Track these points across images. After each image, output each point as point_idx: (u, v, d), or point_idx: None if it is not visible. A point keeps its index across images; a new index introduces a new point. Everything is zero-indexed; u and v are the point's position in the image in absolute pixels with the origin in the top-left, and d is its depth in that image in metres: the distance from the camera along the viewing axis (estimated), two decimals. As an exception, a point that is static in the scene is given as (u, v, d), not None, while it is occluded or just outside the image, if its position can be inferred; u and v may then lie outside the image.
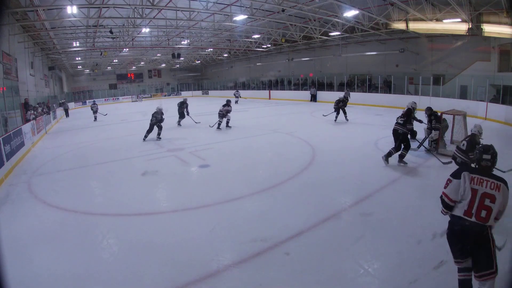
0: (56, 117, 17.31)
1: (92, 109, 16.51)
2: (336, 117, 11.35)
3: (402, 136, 5.76)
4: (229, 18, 14.37)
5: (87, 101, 29.88)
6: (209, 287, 2.66)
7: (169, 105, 15.07)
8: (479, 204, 2.18)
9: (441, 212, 2.45)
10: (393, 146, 5.90)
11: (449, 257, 2.92)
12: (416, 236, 3.32)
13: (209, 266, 2.93)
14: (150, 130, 9.49)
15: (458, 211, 2.28)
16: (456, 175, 2.31)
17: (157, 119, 9.49)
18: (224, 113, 10.88)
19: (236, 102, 21.11)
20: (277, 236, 3.39)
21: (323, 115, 12.36)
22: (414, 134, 6.55)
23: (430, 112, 6.80)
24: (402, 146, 5.84)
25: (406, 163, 5.90)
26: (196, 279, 2.74)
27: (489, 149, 2.37)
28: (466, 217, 2.22)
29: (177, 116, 12.36)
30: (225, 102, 11.09)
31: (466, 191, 2.23)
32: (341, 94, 11.87)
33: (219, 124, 10.90)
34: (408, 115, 5.75)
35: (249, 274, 2.82)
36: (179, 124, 12.23)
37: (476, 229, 2.20)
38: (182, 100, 12.67)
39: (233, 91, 24.01)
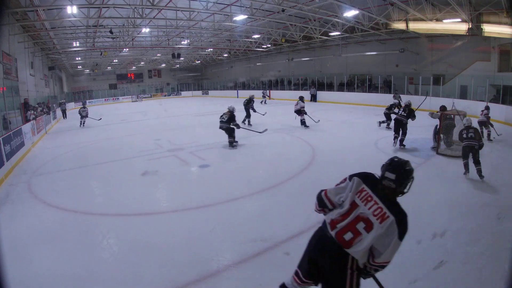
0: (56, 117, 17.32)
1: (80, 114, 13.76)
2: (388, 124, 9.80)
3: (404, 125, 7.28)
4: (229, 18, 14.37)
5: (87, 101, 29.90)
6: (209, 287, 2.66)
7: (169, 105, 15.06)
8: (349, 222, 1.71)
9: (315, 208, 1.98)
10: (395, 135, 7.40)
11: (449, 257, 2.93)
12: (416, 236, 3.31)
13: (209, 266, 2.93)
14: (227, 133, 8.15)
15: (328, 217, 1.83)
16: (351, 176, 1.85)
17: (222, 122, 8.03)
18: (299, 108, 10.55)
19: (262, 102, 19.57)
20: (277, 236, 3.39)
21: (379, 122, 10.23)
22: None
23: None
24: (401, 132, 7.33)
25: (405, 145, 7.34)
26: (196, 279, 2.74)
27: (398, 167, 1.75)
28: (329, 227, 1.77)
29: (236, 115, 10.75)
30: (298, 99, 10.70)
31: (346, 199, 1.77)
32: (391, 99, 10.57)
33: (303, 122, 10.48)
34: (410, 110, 7.42)
35: (249, 274, 2.82)
36: (249, 123, 10.62)
37: (334, 249, 1.71)
38: (248, 98, 11.66)
39: (262, 91, 22.27)
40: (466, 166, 5.30)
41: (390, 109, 9.86)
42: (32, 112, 11.43)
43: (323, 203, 1.90)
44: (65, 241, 3.55)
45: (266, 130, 9.12)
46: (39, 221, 4.13)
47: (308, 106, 12.78)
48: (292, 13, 14.48)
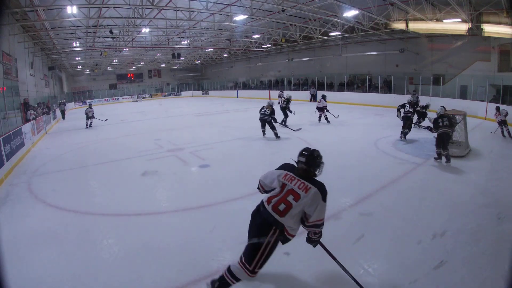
0: (56, 117, 17.30)
1: (87, 114, 13.44)
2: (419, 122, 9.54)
3: (411, 120, 8.27)
4: (229, 18, 14.38)
5: (87, 101, 29.91)
6: (209, 287, 2.65)
7: (169, 105, 15.05)
8: (282, 197, 2.21)
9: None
10: (403, 129, 8.18)
11: (449, 257, 2.93)
12: (416, 236, 3.32)
13: (209, 266, 2.93)
14: (263, 126, 8.98)
15: (265, 196, 2.35)
16: (279, 167, 2.42)
17: (264, 115, 8.72)
18: (321, 106, 11.40)
19: (279, 102, 17.69)
20: (277, 236, 3.39)
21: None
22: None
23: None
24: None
25: (406, 139, 8.09)
26: (196, 279, 2.74)
27: (307, 152, 2.32)
28: (265, 203, 2.26)
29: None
30: (320, 97, 11.68)
31: (275, 183, 2.30)
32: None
33: (326, 118, 11.36)
34: (414, 107, 8.37)
35: (249, 274, 2.81)
36: (285, 124, 10.43)
37: (265, 217, 2.20)
38: (286, 98, 11.50)
39: (278, 91, 20.57)
40: (440, 155, 5.97)
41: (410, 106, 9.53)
42: (32, 112, 11.43)
43: (259, 188, 2.52)
44: (65, 241, 3.55)
45: (300, 129, 9.77)
46: (39, 221, 4.13)
47: (308, 106, 12.80)
48: (292, 13, 14.48)
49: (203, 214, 4.14)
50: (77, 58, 24.52)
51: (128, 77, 36.97)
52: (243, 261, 2.23)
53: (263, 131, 9.06)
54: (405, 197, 4.51)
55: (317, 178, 2.31)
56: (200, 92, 35.87)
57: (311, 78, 22.88)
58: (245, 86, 30.03)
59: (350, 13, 12.84)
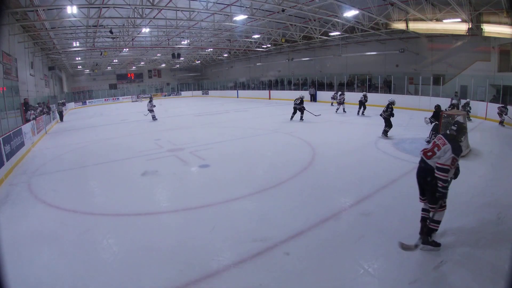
0: (56, 117, 17.25)
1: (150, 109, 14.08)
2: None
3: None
4: (229, 18, 14.38)
5: (87, 101, 29.92)
6: (209, 287, 2.66)
7: (169, 105, 15.01)
8: (430, 148, 3.15)
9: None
10: (384, 127, 8.52)
11: (449, 257, 2.93)
12: (416, 236, 3.31)
13: (209, 266, 2.93)
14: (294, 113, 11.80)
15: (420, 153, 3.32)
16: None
17: (297, 104, 11.90)
18: (342, 101, 14.41)
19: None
20: (277, 236, 3.39)
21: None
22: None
23: (436, 109, 8.00)
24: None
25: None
26: (196, 279, 2.74)
27: (458, 124, 3.29)
28: (421, 154, 3.21)
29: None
30: (340, 92, 15.02)
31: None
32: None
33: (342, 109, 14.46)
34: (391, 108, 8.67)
35: (249, 274, 2.81)
36: (302, 118, 11.94)
37: (422, 166, 3.21)
38: (300, 96, 12.38)
39: (305, 91, 21.29)
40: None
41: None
42: (32, 112, 11.43)
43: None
44: (65, 241, 3.55)
45: (320, 114, 12.58)
46: (39, 221, 4.13)
47: (308, 106, 12.80)
48: (292, 13, 14.49)
49: (203, 214, 4.14)
50: (77, 58, 24.52)
51: (128, 77, 37.00)
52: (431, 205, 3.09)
53: (292, 117, 12.09)
54: (405, 197, 4.51)
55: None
56: (200, 92, 35.89)
57: (311, 78, 22.88)
58: (245, 86, 30.04)
59: (350, 13, 12.84)
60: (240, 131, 10.57)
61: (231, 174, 5.90)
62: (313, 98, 20.96)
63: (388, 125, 8.51)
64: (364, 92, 14.96)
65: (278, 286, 2.67)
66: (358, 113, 13.44)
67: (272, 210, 4.23)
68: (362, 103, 13.46)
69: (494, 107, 11.09)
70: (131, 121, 15.13)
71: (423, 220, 3.20)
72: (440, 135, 3.23)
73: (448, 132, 3.30)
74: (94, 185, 5.86)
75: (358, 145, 7.84)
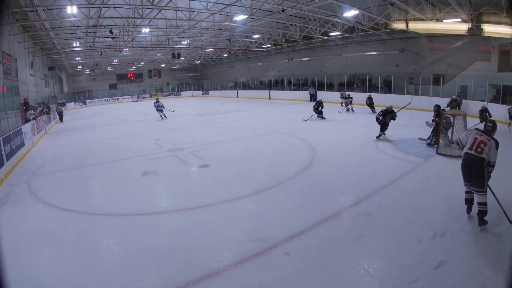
0: (56, 118, 17.23)
1: (157, 108, 14.74)
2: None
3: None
4: (229, 18, 14.37)
5: (87, 101, 29.92)
6: (209, 287, 2.66)
7: (169, 105, 15.01)
8: (477, 144, 3.62)
9: (458, 146, 4.01)
10: (380, 131, 8.45)
11: (449, 257, 2.93)
12: (416, 236, 3.32)
13: (209, 266, 2.93)
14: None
15: (465, 147, 3.73)
16: (469, 129, 3.97)
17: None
18: (349, 102, 14.92)
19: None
20: (277, 236, 3.39)
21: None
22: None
23: (436, 109, 7.87)
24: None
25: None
26: (196, 279, 2.74)
27: (492, 123, 3.86)
28: (468, 150, 3.67)
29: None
30: (347, 95, 15.21)
31: (469, 139, 3.71)
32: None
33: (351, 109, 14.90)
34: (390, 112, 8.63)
35: (249, 274, 2.82)
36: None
37: (474, 159, 3.62)
38: (318, 100, 13.06)
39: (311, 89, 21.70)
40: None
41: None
42: (32, 112, 11.42)
43: (458, 144, 3.97)
44: (65, 241, 3.55)
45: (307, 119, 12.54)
46: (39, 221, 4.13)
47: (308, 106, 12.80)
48: (292, 13, 14.48)
49: (203, 214, 4.14)
50: (77, 58, 24.51)
51: (128, 77, 36.97)
52: (478, 189, 3.52)
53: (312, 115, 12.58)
54: (405, 197, 4.51)
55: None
56: (200, 92, 35.87)
57: (311, 78, 22.87)
58: (245, 86, 30.02)
59: (350, 13, 12.83)
60: (240, 131, 10.57)
61: (231, 174, 5.90)
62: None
63: (384, 128, 8.57)
64: (369, 94, 15.48)
65: (278, 286, 2.67)
66: (373, 112, 13.60)
67: (272, 210, 4.23)
68: (371, 104, 14.27)
69: (494, 107, 11.09)
70: (131, 121, 15.14)
71: (469, 201, 3.79)
72: (477, 130, 3.71)
73: (484, 128, 3.85)
74: (94, 185, 5.86)
75: (358, 145, 7.84)
